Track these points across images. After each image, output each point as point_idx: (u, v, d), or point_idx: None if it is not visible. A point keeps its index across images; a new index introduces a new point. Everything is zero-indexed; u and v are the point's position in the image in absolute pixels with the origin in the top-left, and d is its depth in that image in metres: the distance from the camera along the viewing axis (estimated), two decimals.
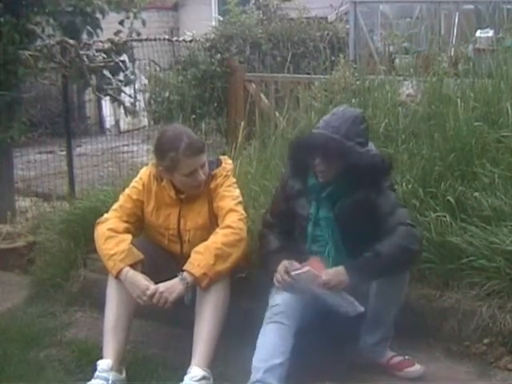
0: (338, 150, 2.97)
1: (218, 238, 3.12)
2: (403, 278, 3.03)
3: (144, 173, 3.39)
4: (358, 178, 3.00)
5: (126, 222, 3.30)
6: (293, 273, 2.93)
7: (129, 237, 3.23)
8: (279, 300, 2.97)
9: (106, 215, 3.35)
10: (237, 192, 3.31)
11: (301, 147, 3.14)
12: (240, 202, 3.28)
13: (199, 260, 3.06)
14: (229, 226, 3.15)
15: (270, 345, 2.89)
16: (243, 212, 3.25)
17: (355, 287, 2.92)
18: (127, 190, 3.40)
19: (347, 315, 2.94)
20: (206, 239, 3.18)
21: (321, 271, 2.92)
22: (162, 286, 3.05)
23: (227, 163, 3.39)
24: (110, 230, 3.24)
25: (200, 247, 3.11)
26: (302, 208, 3.15)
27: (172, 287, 3.05)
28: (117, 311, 3.14)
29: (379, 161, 3.07)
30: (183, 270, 3.07)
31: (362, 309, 2.94)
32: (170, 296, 3.03)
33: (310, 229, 3.13)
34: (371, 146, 3.17)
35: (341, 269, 2.91)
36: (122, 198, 3.39)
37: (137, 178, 3.40)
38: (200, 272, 3.04)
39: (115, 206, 3.38)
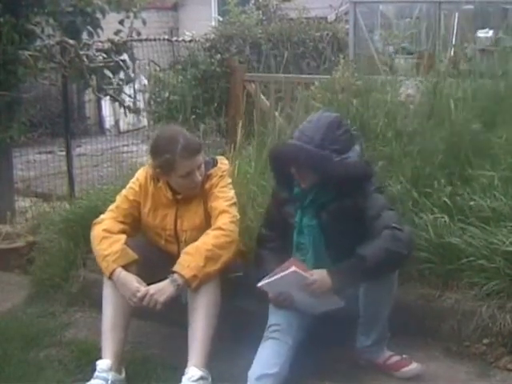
0: (310, 160, 2.96)
1: (208, 239, 3.11)
2: (391, 279, 3.01)
3: (141, 174, 3.39)
4: (337, 186, 3.00)
5: (122, 222, 3.30)
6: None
7: (123, 237, 3.22)
8: (274, 320, 3.03)
9: (102, 216, 3.35)
10: (231, 193, 3.29)
11: (275, 158, 3.18)
12: (234, 204, 3.26)
13: (189, 261, 3.05)
14: (220, 228, 3.14)
15: (263, 358, 2.92)
16: (236, 214, 3.23)
17: (341, 290, 2.93)
18: (124, 191, 3.40)
19: (326, 312, 2.95)
20: None
21: (305, 271, 2.93)
22: (152, 288, 3.05)
23: (223, 163, 3.37)
24: (105, 230, 3.24)
25: (190, 248, 3.11)
26: (290, 216, 3.15)
27: (163, 289, 3.04)
28: (114, 311, 3.14)
29: (353, 169, 3.02)
30: (173, 272, 3.06)
31: (341, 304, 2.93)
32: (160, 298, 3.02)
33: (294, 237, 3.14)
34: (354, 149, 3.09)
35: (323, 271, 2.92)
36: (118, 198, 3.39)
37: (134, 179, 3.40)
38: (190, 274, 3.03)
39: (112, 206, 3.38)
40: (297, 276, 2.91)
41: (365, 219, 2.96)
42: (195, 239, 3.20)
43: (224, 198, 3.24)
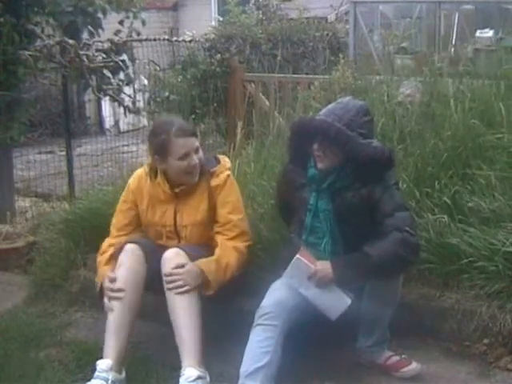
0: (337, 136, 2.93)
1: (234, 261, 3.21)
2: (396, 281, 3.01)
3: (132, 180, 3.46)
4: (358, 169, 2.96)
5: (127, 234, 3.41)
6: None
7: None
8: (265, 302, 2.99)
9: (106, 242, 3.44)
10: (240, 202, 3.37)
11: (300, 130, 3.12)
12: (244, 218, 3.36)
13: (218, 277, 3.15)
14: (242, 252, 3.26)
15: (253, 349, 2.88)
16: (250, 236, 3.35)
17: (343, 283, 2.92)
18: (118, 206, 3.49)
19: (333, 317, 2.94)
20: (203, 235, 3.27)
21: (311, 262, 2.96)
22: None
23: (225, 161, 3.43)
24: (111, 245, 3.39)
25: (223, 261, 3.18)
26: (302, 200, 3.12)
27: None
28: (119, 312, 3.13)
29: (380, 153, 3.00)
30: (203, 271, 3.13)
31: (349, 301, 2.92)
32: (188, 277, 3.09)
33: (308, 219, 3.10)
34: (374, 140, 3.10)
35: (327, 263, 2.93)
36: (114, 217, 3.50)
37: (124, 192, 3.49)
38: (214, 289, 3.12)
39: (111, 228, 3.48)
40: (301, 264, 2.96)
41: (376, 213, 2.94)
42: (196, 235, 3.27)
43: (241, 212, 3.33)
